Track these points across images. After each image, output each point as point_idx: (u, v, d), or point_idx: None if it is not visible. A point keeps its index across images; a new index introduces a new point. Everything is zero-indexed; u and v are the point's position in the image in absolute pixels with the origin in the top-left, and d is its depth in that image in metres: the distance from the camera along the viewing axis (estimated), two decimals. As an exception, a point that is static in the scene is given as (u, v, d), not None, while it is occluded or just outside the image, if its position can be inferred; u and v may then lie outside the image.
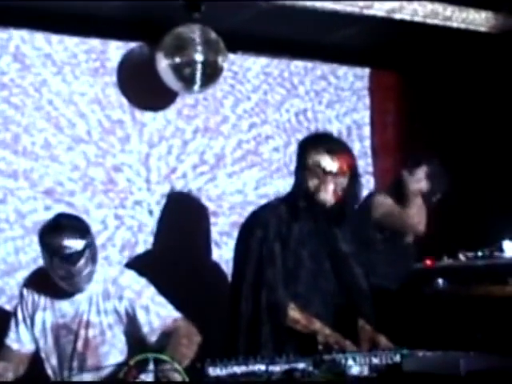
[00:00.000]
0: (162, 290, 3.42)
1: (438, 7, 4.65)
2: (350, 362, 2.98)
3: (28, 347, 3.46)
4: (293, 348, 3.24)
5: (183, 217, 4.89)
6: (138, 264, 4.52)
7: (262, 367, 2.80)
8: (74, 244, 3.24)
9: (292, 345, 3.35)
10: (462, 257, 4.39)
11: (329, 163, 3.42)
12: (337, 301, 3.55)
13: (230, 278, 3.69)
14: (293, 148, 4.13)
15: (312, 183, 3.44)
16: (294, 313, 3.40)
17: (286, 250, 3.46)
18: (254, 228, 3.51)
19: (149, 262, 4.64)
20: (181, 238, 4.81)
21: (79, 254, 3.24)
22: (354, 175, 3.50)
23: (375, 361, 3.00)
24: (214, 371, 2.72)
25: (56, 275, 3.29)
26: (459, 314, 4.02)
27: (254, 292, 3.43)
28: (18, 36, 4.53)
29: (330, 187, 3.43)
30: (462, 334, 3.81)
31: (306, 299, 3.47)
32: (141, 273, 3.48)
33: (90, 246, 3.30)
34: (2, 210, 4.43)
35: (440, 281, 4.24)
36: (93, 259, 3.31)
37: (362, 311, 3.55)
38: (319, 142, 3.49)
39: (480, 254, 4.39)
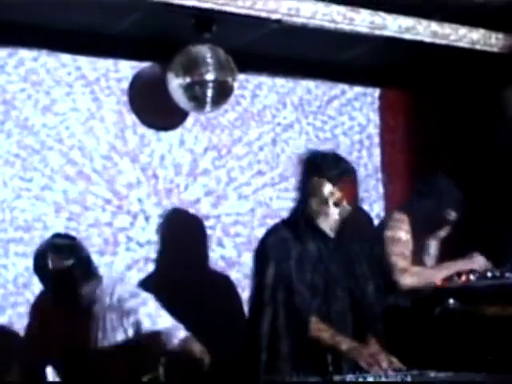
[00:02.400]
0: (171, 309, 3.42)
1: (449, 28, 4.65)
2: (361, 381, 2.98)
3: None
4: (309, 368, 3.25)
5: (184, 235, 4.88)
6: (146, 282, 4.54)
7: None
8: (59, 265, 3.24)
9: (307, 365, 3.35)
10: (472, 277, 4.38)
11: (332, 194, 3.46)
12: (348, 320, 3.56)
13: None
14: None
15: (314, 210, 3.48)
16: (316, 324, 3.40)
17: (298, 270, 3.47)
18: (264, 254, 3.55)
19: (157, 280, 4.64)
20: (185, 255, 4.79)
21: (64, 276, 3.24)
22: (355, 203, 3.56)
23: (385, 381, 2.99)
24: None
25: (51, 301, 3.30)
26: (470, 334, 4.00)
27: (274, 310, 3.43)
28: (28, 56, 4.55)
29: (332, 216, 3.48)
30: (473, 355, 3.79)
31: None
32: (149, 290, 3.48)
33: (78, 266, 3.28)
34: (15, 227, 4.43)
35: (451, 301, 4.22)
36: (84, 278, 3.29)
37: (373, 331, 3.54)
38: (325, 169, 3.50)
39: (490, 274, 4.37)
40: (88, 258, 3.39)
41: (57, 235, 3.45)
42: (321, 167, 3.52)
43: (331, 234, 3.51)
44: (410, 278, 4.29)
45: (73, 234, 4.28)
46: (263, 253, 3.56)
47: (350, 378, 3.07)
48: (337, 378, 3.03)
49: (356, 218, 3.68)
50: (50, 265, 3.25)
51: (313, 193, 3.48)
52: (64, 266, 3.26)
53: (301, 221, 3.52)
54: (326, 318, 3.46)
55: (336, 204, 3.47)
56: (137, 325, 3.33)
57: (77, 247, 3.36)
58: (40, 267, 3.30)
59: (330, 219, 3.49)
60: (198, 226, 4.91)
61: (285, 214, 3.75)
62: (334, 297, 3.53)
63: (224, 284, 4.83)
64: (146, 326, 3.31)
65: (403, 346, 3.65)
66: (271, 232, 3.63)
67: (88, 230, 4.56)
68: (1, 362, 3.59)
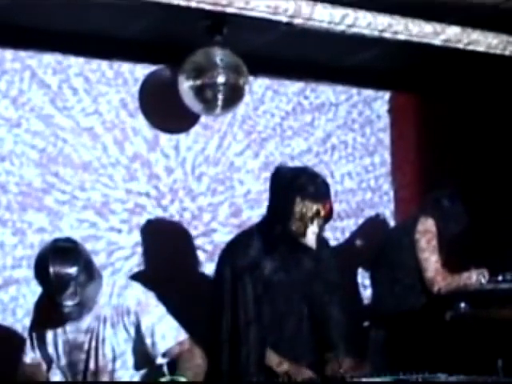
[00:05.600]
0: (172, 311, 3.43)
1: (461, 31, 4.63)
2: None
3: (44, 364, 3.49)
4: None
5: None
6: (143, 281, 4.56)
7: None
8: (61, 272, 3.23)
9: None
10: (483, 281, 4.39)
11: (315, 211, 3.48)
12: (308, 334, 3.60)
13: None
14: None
15: (297, 228, 3.49)
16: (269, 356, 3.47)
17: (257, 285, 3.51)
18: (225, 264, 3.59)
19: (157, 281, 4.64)
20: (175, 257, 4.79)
21: (67, 282, 3.24)
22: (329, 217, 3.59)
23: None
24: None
25: (53, 303, 3.29)
26: (481, 337, 4.00)
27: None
28: (39, 59, 4.56)
29: (315, 232, 3.51)
30: (484, 359, 3.78)
31: (277, 335, 3.52)
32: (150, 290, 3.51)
33: (82, 271, 3.27)
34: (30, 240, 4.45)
35: (462, 305, 4.23)
36: (88, 280, 3.29)
37: (335, 344, 3.56)
38: (306, 188, 3.50)
39: (501, 278, 4.38)
40: (90, 260, 3.37)
41: (57, 240, 3.41)
42: (300, 185, 3.51)
43: (313, 247, 3.53)
44: (442, 279, 4.41)
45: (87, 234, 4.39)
46: (225, 266, 3.57)
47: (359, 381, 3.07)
48: (357, 379, 3.03)
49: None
50: (52, 270, 3.23)
51: (297, 213, 3.48)
52: (67, 273, 3.24)
53: (281, 238, 3.53)
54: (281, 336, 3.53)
55: (319, 221, 3.50)
56: (138, 324, 3.33)
57: (78, 252, 3.33)
58: (41, 273, 3.28)
59: (313, 236, 3.51)
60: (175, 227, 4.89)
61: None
62: (292, 311, 3.58)
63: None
64: (144, 325, 3.31)
65: (414, 349, 3.67)
66: (240, 246, 3.62)
67: (92, 232, 4.59)
68: (9, 361, 3.60)
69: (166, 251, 4.74)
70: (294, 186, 3.51)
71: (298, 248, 3.54)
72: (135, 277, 4.50)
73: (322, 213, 3.48)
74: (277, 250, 3.55)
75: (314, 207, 3.47)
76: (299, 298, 3.59)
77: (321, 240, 3.59)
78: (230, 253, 3.60)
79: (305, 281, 3.60)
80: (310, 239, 3.50)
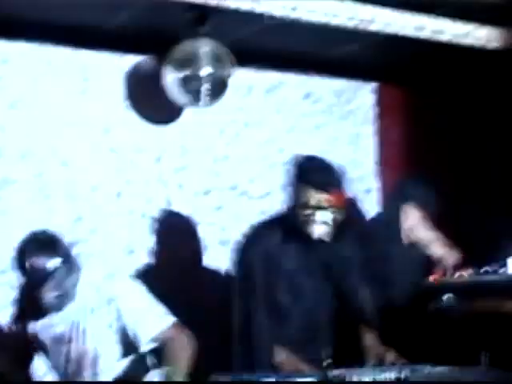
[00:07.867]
0: (159, 298, 3.43)
1: (449, 23, 4.63)
2: (355, 378, 2.99)
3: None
4: None
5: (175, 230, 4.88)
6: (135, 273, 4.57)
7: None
8: (39, 265, 3.21)
9: None
10: (466, 274, 4.40)
11: (318, 200, 3.46)
12: (335, 320, 3.60)
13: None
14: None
15: (301, 216, 3.50)
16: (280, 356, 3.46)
17: (278, 274, 3.53)
18: (244, 251, 3.62)
19: (146, 271, 4.65)
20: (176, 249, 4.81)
21: (45, 275, 3.21)
22: (343, 206, 3.56)
23: (381, 377, 3.00)
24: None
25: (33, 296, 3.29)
26: (465, 329, 4.01)
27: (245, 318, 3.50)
28: (22, 49, 4.54)
29: (322, 221, 3.48)
30: (468, 350, 3.80)
31: (299, 327, 3.51)
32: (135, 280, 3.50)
33: (63, 264, 3.25)
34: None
35: (446, 297, 4.24)
36: (68, 273, 3.27)
37: (371, 327, 3.57)
38: (310, 177, 3.51)
39: (484, 270, 4.39)
40: (68, 252, 3.36)
41: (35, 232, 3.39)
42: (305, 173, 3.52)
43: (324, 239, 3.51)
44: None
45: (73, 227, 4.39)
46: (244, 254, 3.61)
47: (343, 373, 3.07)
48: (334, 372, 3.03)
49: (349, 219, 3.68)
50: (30, 264, 3.22)
51: (301, 202, 3.48)
52: (45, 266, 3.23)
53: (290, 227, 3.53)
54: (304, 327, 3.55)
55: (326, 211, 3.47)
56: (121, 314, 3.32)
57: (57, 244, 3.32)
58: (19, 267, 3.27)
59: (320, 225, 3.49)
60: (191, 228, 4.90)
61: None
62: (317, 298, 3.59)
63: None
64: (128, 314, 3.31)
65: (399, 342, 3.68)
66: (255, 240, 3.64)
67: (79, 225, 4.56)
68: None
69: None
70: (299, 174, 3.53)
71: (309, 237, 3.53)
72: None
73: (326, 203, 3.46)
74: (291, 239, 3.55)
75: (317, 196, 3.45)
76: (315, 287, 3.60)
77: (340, 231, 3.58)
78: (245, 243, 3.62)
79: (321, 269, 3.61)
80: (316, 228, 3.49)
